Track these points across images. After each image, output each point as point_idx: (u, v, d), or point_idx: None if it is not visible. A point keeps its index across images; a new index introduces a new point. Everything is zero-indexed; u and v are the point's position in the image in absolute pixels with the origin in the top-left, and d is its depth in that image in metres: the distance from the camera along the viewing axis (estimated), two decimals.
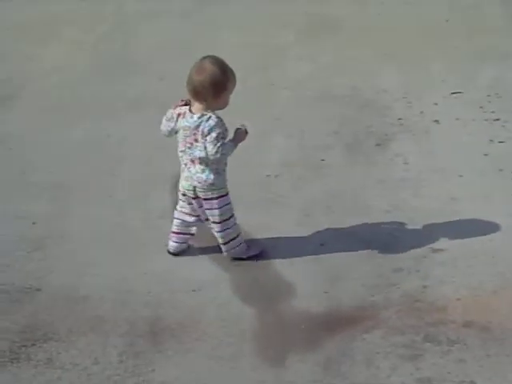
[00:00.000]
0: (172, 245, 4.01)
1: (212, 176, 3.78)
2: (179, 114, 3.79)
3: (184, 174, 3.84)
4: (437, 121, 5.17)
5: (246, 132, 3.85)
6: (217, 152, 3.70)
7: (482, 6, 6.92)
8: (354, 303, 3.70)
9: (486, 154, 4.81)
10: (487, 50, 6.12)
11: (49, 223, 4.29)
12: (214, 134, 3.68)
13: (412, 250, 4.02)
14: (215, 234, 3.93)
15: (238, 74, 5.60)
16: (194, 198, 3.85)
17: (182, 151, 3.81)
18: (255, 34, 6.44)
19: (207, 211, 3.86)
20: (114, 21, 6.69)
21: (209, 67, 3.71)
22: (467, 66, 5.88)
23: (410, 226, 4.20)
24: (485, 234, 4.14)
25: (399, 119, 5.18)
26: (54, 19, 6.70)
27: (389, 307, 3.66)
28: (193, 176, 3.79)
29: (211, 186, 3.80)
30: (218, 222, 3.87)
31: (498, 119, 5.18)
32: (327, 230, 4.19)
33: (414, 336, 3.51)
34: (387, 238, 4.12)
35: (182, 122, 3.77)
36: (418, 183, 4.55)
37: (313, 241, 4.11)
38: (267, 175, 4.65)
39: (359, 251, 4.04)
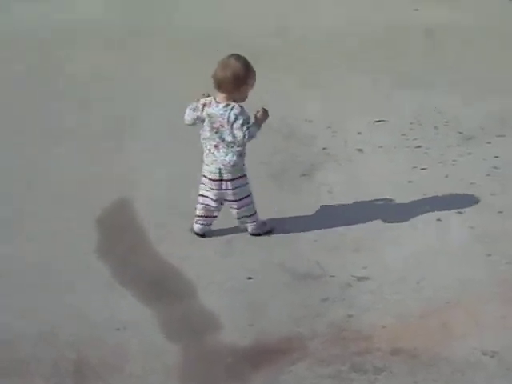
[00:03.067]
0: (198, 227, 4.38)
1: (234, 158, 4.20)
2: (204, 104, 4.22)
3: (208, 159, 4.25)
4: (360, 149, 5.23)
5: (266, 112, 4.26)
6: (244, 136, 4.15)
7: (406, 35, 7.04)
8: (279, 335, 3.68)
9: (409, 181, 4.86)
10: (410, 78, 6.23)
11: None
12: (239, 122, 4.14)
13: (338, 279, 4.03)
14: (240, 210, 4.31)
15: (162, 105, 5.61)
16: (217, 181, 4.24)
17: (206, 138, 4.24)
18: (179, 65, 6.43)
19: (231, 191, 4.25)
20: (41, 55, 6.62)
21: (233, 63, 4.17)
22: (391, 95, 5.97)
23: (335, 255, 4.21)
24: (410, 261, 4.18)
25: (324, 149, 5.22)
26: None
27: (315, 338, 3.66)
28: (217, 159, 4.21)
29: (234, 167, 4.20)
30: (239, 199, 4.28)
31: (419, 146, 5.26)
32: (254, 260, 4.18)
33: (340, 366, 3.51)
34: (313, 268, 4.12)
35: (208, 111, 4.20)
36: (343, 212, 4.57)
37: (239, 272, 4.09)
38: (191, 207, 4.61)
39: (286, 282, 4.03)
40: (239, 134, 4.16)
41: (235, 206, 4.31)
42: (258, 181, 4.86)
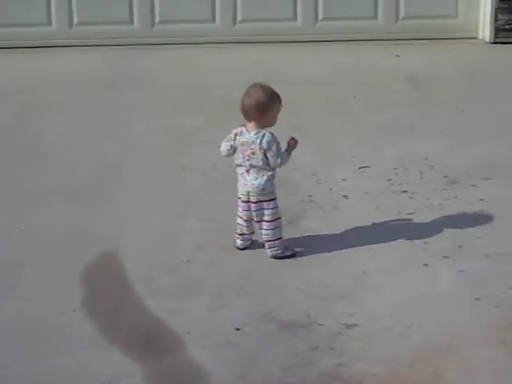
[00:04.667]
0: (239, 243, 4.66)
1: (263, 182, 4.45)
2: (236, 134, 4.49)
3: (240, 183, 4.53)
4: (346, 196, 5.24)
5: (296, 141, 4.54)
6: (280, 163, 4.46)
7: (387, 81, 7.12)
8: None
9: (395, 227, 4.86)
10: (393, 123, 6.28)
11: None
12: (274, 148, 4.42)
13: (326, 328, 4.00)
14: (263, 232, 4.54)
15: (147, 159, 5.65)
16: (246, 202, 4.51)
17: (238, 164, 4.51)
18: (165, 118, 6.48)
19: (259, 211, 4.50)
20: (21, 110, 6.65)
21: (255, 91, 4.46)
22: (374, 141, 6.01)
23: (322, 303, 4.19)
24: (398, 307, 4.15)
25: (309, 196, 5.23)
26: None
27: None
28: (247, 183, 4.48)
29: (262, 191, 4.46)
30: (267, 221, 4.51)
31: (405, 191, 5.27)
32: (241, 312, 4.15)
33: None
34: (301, 317, 4.08)
35: (240, 139, 4.47)
36: (329, 259, 4.56)
37: (227, 325, 4.06)
38: (180, 260, 4.61)
39: (274, 332, 3.99)
40: (275, 161, 4.43)
41: (265, 227, 4.53)
42: None
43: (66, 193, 5.38)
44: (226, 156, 4.60)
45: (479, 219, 4.93)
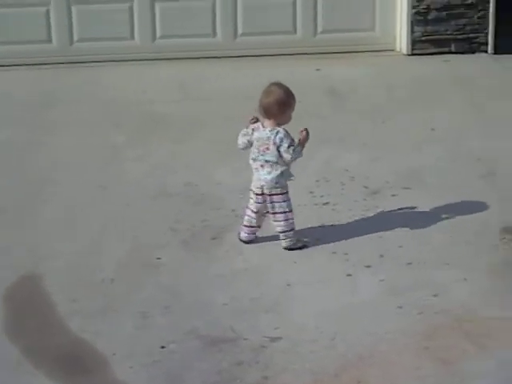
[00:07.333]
0: (243, 235, 4.85)
1: (275, 176, 4.68)
2: (253, 129, 4.73)
3: (255, 177, 4.75)
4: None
5: (308, 133, 4.76)
6: (292, 158, 4.67)
7: (308, 95, 7.15)
8: None
9: (317, 239, 4.89)
10: (315, 137, 6.26)
11: None
12: (285, 144, 4.64)
13: (251, 342, 4.00)
14: (277, 223, 4.77)
15: (68, 177, 5.55)
16: (259, 195, 4.72)
17: (253, 158, 4.74)
18: (86, 136, 6.41)
19: (271, 204, 4.72)
20: None
21: (274, 89, 4.72)
22: None
23: (247, 317, 4.19)
24: (322, 318, 4.18)
25: (233, 210, 5.22)
26: None
27: None
28: (261, 177, 4.70)
29: (275, 185, 4.68)
30: (281, 213, 4.72)
31: (327, 203, 5.31)
32: (166, 330, 4.12)
33: None
34: (226, 332, 4.08)
35: (256, 135, 4.70)
36: (254, 273, 4.58)
37: (152, 343, 4.03)
38: (102, 279, 4.56)
39: (199, 348, 3.98)
40: (286, 156, 4.65)
41: (279, 219, 4.74)
42: (167, 249, 4.85)
43: None
44: (242, 149, 4.81)
45: (400, 228, 4.99)
